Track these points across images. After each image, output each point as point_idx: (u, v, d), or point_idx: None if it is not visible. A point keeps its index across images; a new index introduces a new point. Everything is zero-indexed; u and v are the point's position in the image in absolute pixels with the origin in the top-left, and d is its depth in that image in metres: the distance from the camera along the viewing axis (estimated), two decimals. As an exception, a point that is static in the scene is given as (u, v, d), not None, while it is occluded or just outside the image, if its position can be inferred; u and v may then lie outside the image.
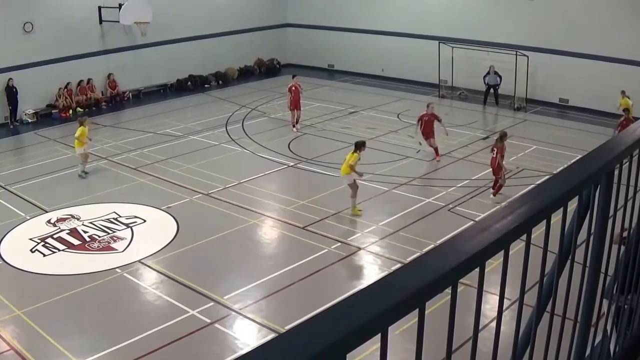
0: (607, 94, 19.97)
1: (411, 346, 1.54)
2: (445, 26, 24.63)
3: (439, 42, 24.26)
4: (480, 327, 1.88)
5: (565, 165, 2.40)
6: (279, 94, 24.42)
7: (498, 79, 22.98)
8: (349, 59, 28.37)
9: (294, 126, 20.28)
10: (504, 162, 14.60)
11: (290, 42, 30.62)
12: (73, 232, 13.14)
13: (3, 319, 10.01)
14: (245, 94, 25.28)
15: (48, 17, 21.97)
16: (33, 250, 12.40)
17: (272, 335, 9.21)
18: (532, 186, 2.52)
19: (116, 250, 12.41)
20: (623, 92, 19.64)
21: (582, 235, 2.49)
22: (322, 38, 29.16)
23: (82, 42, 22.99)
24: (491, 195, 14.40)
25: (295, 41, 30.45)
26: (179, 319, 9.98)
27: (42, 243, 12.66)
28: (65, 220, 13.69)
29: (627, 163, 2.66)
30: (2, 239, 12.85)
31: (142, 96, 25.28)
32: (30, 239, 12.80)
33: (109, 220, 13.65)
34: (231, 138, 19.63)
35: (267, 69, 29.52)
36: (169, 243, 12.67)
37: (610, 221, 2.60)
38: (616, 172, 2.51)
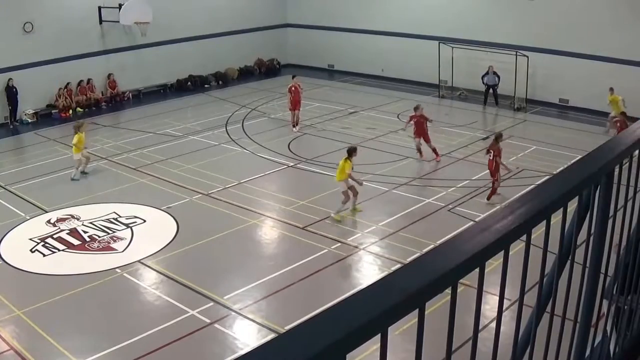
0: (607, 94, 19.96)
1: (411, 346, 1.54)
2: (445, 26, 24.63)
3: (439, 42, 24.27)
4: (480, 327, 1.88)
5: (565, 166, 2.40)
6: (278, 94, 24.43)
7: (497, 79, 22.97)
8: (349, 59, 28.37)
9: (294, 126, 20.28)
10: (505, 163, 14.58)
11: (290, 42, 30.63)
12: (73, 232, 13.14)
13: (3, 319, 10.01)
14: (245, 94, 25.28)
15: (48, 17, 21.97)
16: (33, 250, 12.40)
17: (272, 336, 9.19)
18: (532, 186, 2.51)
19: (116, 250, 12.41)
20: (611, 89, 19.74)
21: (582, 235, 2.49)
22: (322, 38, 29.16)
23: (82, 42, 23.00)
24: (486, 199, 14.31)
25: (295, 41, 30.45)
26: (178, 319, 9.98)
27: (42, 243, 12.66)
28: (65, 221, 13.69)
29: (627, 163, 2.65)
30: (2, 239, 12.85)
31: (142, 96, 25.29)
32: (30, 239, 12.80)
33: (108, 221, 13.65)
34: (231, 138, 19.63)
35: (267, 69, 29.53)
36: (169, 243, 12.67)
37: (610, 221, 2.59)
38: (616, 173, 2.51)
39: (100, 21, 23.66)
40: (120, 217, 13.82)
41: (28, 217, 13.94)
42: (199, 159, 17.53)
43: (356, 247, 12.43)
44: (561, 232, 2.28)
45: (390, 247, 12.40)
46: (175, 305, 10.41)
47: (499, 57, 22.81)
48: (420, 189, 15.43)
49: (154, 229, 13.40)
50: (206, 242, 12.67)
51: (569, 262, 2.40)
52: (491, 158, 14.30)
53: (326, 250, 12.27)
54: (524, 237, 1.86)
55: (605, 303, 3.10)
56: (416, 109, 17.17)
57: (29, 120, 21.82)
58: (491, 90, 23.22)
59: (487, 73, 23.06)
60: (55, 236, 12.95)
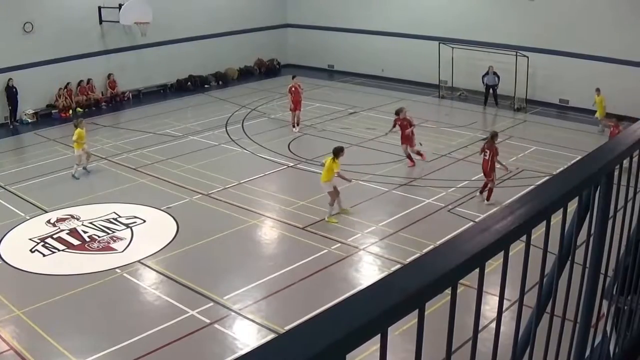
0: (608, 94, 19.96)
1: (411, 347, 1.54)
2: (445, 27, 24.63)
3: (439, 43, 24.27)
4: (480, 327, 1.88)
5: (565, 166, 2.40)
6: (278, 94, 24.43)
7: (496, 79, 22.97)
8: (348, 60, 28.37)
9: (294, 127, 20.28)
10: (504, 163, 14.55)
11: (290, 42, 30.63)
12: (73, 232, 13.14)
13: (3, 319, 10.01)
14: (245, 95, 25.28)
15: (48, 17, 21.98)
16: (33, 250, 12.40)
17: (271, 336, 9.19)
18: (531, 187, 2.51)
19: (116, 250, 12.41)
20: (598, 90, 19.78)
21: (582, 236, 2.49)
22: (322, 38, 29.16)
23: (82, 42, 23.00)
24: (485, 201, 14.28)
25: (295, 42, 30.46)
26: (178, 319, 9.98)
27: (42, 243, 12.66)
28: (65, 221, 13.69)
29: (628, 164, 2.65)
30: (2, 239, 12.85)
31: (142, 96, 25.29)
32: (30, 239, 12.80)
33: (108, 221, 13.65)
34: (231, 138, 19.63)
35: (267, 70, 29.53)
36: (169, 243, 12.67)
37: (610, 222, 2.59)
38: (616, 173, 2.51)
39: (100, 21, 23.66)
40: (120, 217, 13.82)
41: (28, 217, 13.94)
42: (199, 159, 17.53)
43: (356, 247, 12.43)
44: (561, 233, 2.28)
45: (390, 248, 12.40)
46: (175, 306, 10.41)
47: (499, 58, 22.81)
48: (420, 189, 15.43)
49: (153, 229, 13.40)
50: (206, 242, 12.67)
51: (568, 262, 2.40)
52: (487, 158, 14.18)
53: (326, 250, 12.27)
54: (523, 238, 1.86)
55: (605, 303, 3.10)
56: (399, 112, 16.72)
57: (29, 120, 21.83)
58: (491, 91, 23.22)
59: (487, 73, 23.06)
60: (55, 236, 12.95)
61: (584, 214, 2.43)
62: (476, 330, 1.84)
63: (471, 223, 12.13)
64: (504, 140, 18.68)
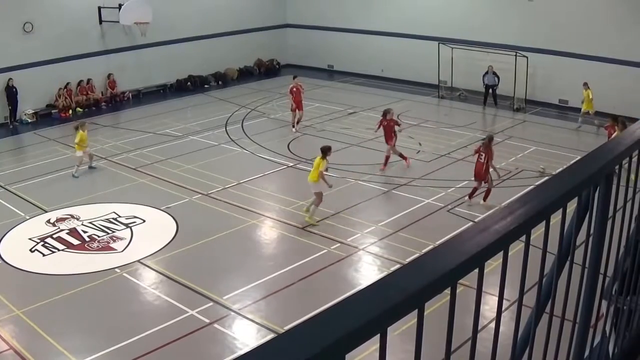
0: (607, 94, 19.98)
1: (410, 347, 1.54)
2: (444, 27, 24.63)
3: (439, 43, 24.27)
4: (479, 327, 1.88)
5: (565, 167, 2.40)
6: (278, 94, 24.44)
7: (496, 79, 22.96)
8: (348, 60, 28.37)
9: (293, 126, 20.28)
10: (497, 166, 14.47)
11: (289, 42, 30.62)
12: (72, 232, 13.14)
13: (2, 319, 10.01)
14: (245, 95, 25.28)
15: (48, 17, 21.98)
16: (32, 250, 12.40)
17: (271, 336, 9.19)
18: (531, 187, 2.51)
19: (115, 250, 12.41)
20: (586, 84, 19.88)
21: (582, 236, 2.49)
22: (322, 39, 29.16)
23: (82, 42, 23.00)
24: (481, 201, 14.20)
25: (294, 42, 30.45)
26: (178, 319, 9.98)
27: (42, 243, 12.65)
28: (64, 220, 13.69)
29: (627, 164, 2.66)
30: (1, 239, 12.85)
31: (142, 96, 25.29)
32: (30, 239, 12.80)
33: (108, 220, 13.65)
34: (231, 138, 19.63)
35: (267, 70, 29.52)
36: (169, 243, 12.67)
37: (609, 222, 2.60)
38: (615, 173, 2.51)
39: (100, 21, 23.66)
40: (119, 217, 13.82)
41: (28, 217, 13.94)
42: (198, 159, 17.53)
43: (356, 247, 12.43)
44: (560, 233, 2.28)
45: (390, 248, 12.40)
46: (174, 305, 10.41)
47: (499, 58, 22.81)
48: (419, 189, 15.42)
49: (153, 229, 13.40)
50: (206, 242, 12.68)
51: (568, 262, 2.40)
52: (482, 161, 14.06)
53: (326, 250, 12.27)
54: (523, 238, 1.87)
55: (604, 303, 3.10)
56: (386, 113, 16.66)
57: (29, 120, 21.82)
58: (490, 91, 23.22)
59: (486, 73, 23.07)
60: (54, 236, 12.95)
61: (584, 214, 2.43)
62: (475, 330, 1.85)
63: (471, 223, 12.12)
64: (504, 141, 18.70)
